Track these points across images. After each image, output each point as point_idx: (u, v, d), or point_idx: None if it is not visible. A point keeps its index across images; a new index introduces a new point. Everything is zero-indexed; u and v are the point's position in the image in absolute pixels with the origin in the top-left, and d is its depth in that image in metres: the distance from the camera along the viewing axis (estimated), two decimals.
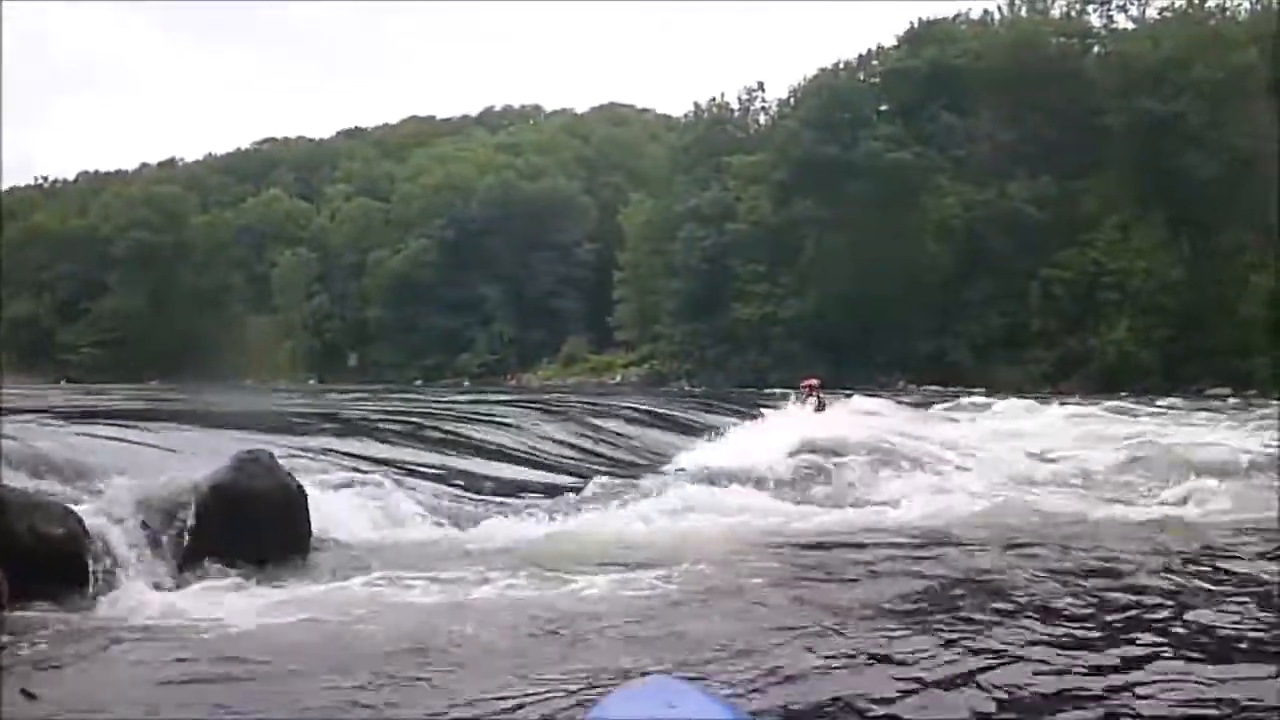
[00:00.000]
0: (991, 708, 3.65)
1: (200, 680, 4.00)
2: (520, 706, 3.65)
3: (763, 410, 16.70)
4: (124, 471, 6.45)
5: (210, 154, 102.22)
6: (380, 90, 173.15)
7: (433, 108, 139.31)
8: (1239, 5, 52.53)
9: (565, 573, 5.75)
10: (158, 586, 5.33)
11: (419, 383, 66.63)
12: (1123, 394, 31.52)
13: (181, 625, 4.70)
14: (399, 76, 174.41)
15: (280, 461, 6.38)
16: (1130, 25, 55.82)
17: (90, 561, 5.22)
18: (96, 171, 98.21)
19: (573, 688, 3.81)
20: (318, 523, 6.19)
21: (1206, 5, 52.65)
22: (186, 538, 5.61)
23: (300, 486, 6.08)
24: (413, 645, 4.40)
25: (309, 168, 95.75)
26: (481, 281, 75.42)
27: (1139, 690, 3.78)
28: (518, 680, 3.92)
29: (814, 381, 18.13)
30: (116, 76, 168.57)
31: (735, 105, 67.16)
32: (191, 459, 7.41)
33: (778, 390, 25.59)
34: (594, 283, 71.78)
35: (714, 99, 67.23)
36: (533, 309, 74.92)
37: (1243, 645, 4.43)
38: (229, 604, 5.05)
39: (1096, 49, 55.83)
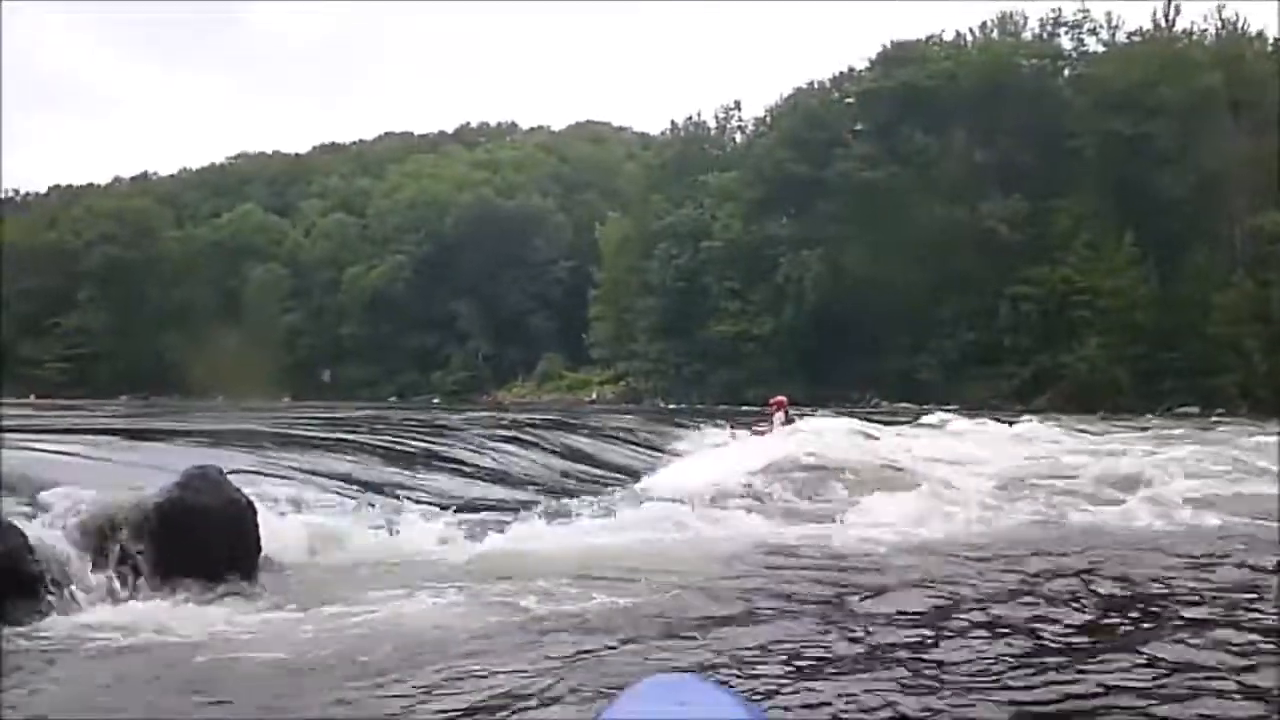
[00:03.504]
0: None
1: (144, 698, 3.94)
2: None
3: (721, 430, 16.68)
4: (74, 487, 6.35)
5: (184, 168, 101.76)
6: (357, 106, 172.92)
7: (409, 124, 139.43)
8: (1205, 30, 53.50)
9: (525, 590, 5.69)
10: (102, 603, 5.25)
11: (394, 400, 66.30)
12: (1098, 413, 31.82)
13: (126, 642, 4.63)
14: (375, 92, 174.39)
15: (234, 477, 6.30)
16: (1100, 48, 56.69)
17: (34, 578, 5.13)
18: (69, 185, 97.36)
19: (528, 706, 3.76)
20: (268, 539, 6.10)
21: (1174, 29, 53.53)
22: (132, 554, 5.53)
23: (250, 502, 5.99)
24: (361, 663, 4.34)
25: (284, 183, 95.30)
26: (457, 298, 75.28)
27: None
28: (467, 698, 3.88)
29: (782, 399, 18.47)
30: (90, 90, 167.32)
31: (711, 124, 67.75)
32: (144, 474, 7.31)
33: (745, 407, 25.72)
34: (570, 300, 71.77)
35: (690, 117, 67.90)
36: (508, 326, 74.78)
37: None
38: (175, 621, 4.97)
39: (1067, 71, 56.66)
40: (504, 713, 3.69)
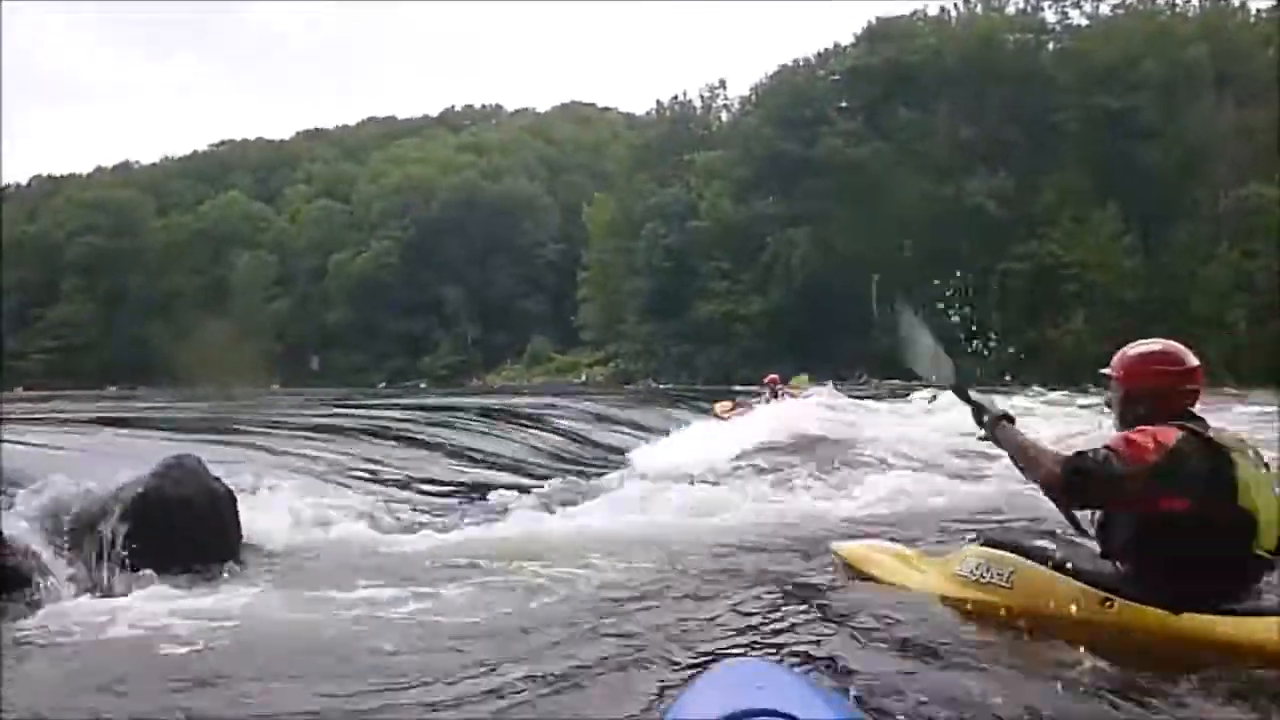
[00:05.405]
0: None
1: (124, 691, 3.87)
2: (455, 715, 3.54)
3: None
4: (50, 477, 6.26)
5: (166, 157, 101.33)
6: (340, 91, 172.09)
7: (393, 108, 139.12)
8: (1189, 2, 53.50)
9: (510, 576, 5.61)
10: (80, 595, 5.16)
11: (383, 386, 66.19)
12: (1083, 386, 31.87)
13: (104, 635, 4.55)
14: (359, 77, 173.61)
15: (214, 466, 6.21)
16: (1084, 22, 56.74)
17: (8, 571, 5.05)
18: (49, 176, 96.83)
19: (514, 696, 3.69)
20: (249, 527, 6.02)
21: (1157, 2, 53.52)
22: (109, 545, 5.44)
23: (229, 491, 5.90)
24: (347, 653, 4.27)
25: (268, 169, 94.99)
26: (444, 283, 75.20)
27: None
28: (450, 689, 3.80)
29: (774, 377, 18.97)
30: (69, 80, 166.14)
31: (697, 103, 67.68)
32: (124, 463, 7.21)
33: (737, 387, 25.83)
34: (558, 282, 71.81)
35: (676, 97, 67.91)
36: (496, 310, 74.76)
37: None
38: (154, 612, 4.88)
39: (1052, 45, 56.64)
40: (509, 703, 3.62)
